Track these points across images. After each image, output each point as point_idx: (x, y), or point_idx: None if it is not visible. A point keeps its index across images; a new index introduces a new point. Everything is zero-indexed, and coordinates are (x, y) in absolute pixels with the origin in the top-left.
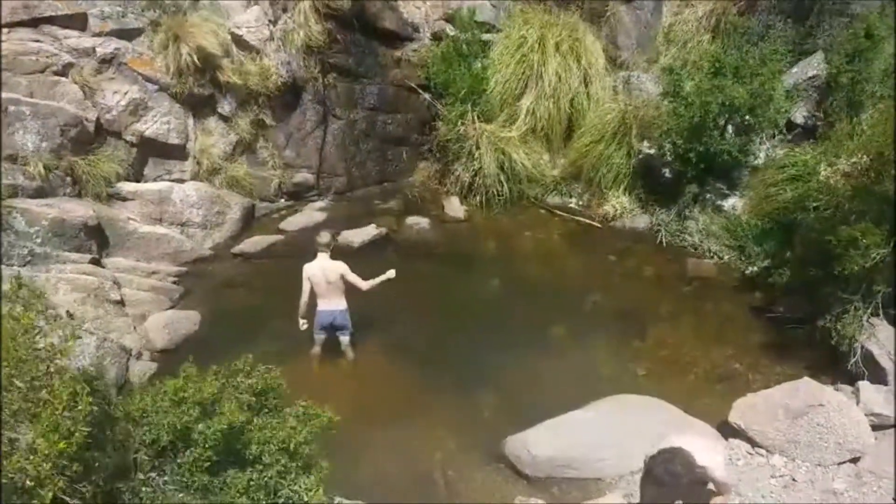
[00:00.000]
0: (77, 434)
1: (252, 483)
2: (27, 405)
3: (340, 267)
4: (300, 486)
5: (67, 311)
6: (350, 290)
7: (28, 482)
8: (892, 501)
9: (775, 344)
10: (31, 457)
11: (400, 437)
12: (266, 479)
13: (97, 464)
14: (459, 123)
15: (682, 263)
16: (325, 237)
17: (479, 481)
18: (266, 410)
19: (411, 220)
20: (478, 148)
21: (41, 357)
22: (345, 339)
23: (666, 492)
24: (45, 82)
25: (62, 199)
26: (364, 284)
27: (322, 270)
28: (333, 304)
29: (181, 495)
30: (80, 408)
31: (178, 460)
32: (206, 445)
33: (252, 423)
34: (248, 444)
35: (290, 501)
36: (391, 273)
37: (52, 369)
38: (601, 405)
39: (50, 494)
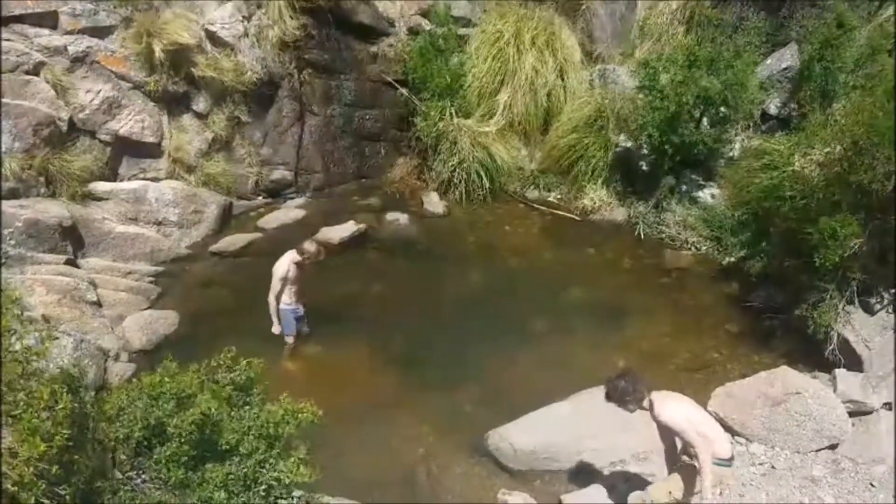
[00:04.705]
0: (58, 437)
1: (231, 476)
2: (6, 408)
3: (275, 265)
4: (280, 470)
5: (43, 315)
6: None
7: (10, 487)
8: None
9: (753, 333)
10: (13, 461)
11: (382, 433)
12: (244, 469)
13: (76, 466)
14: (438, 119)
15: (659, 255)
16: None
17: (462, 475)
18: (248, 407)
19: (391, 215)
20: (456, 143)
21: (17, 359)
22: None
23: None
24: (17, 81)
25: (36, 199)
26: (271, 293)
27: None
28: None
29: (159, 493)
30: (60, 407)
31: (155, 456)
32: (182, 439)
33: (230, 415)
34: (224, 433)
35: (271, 485)
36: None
37: (28, 371)
38: (581, 397)
39: (32, 499)
